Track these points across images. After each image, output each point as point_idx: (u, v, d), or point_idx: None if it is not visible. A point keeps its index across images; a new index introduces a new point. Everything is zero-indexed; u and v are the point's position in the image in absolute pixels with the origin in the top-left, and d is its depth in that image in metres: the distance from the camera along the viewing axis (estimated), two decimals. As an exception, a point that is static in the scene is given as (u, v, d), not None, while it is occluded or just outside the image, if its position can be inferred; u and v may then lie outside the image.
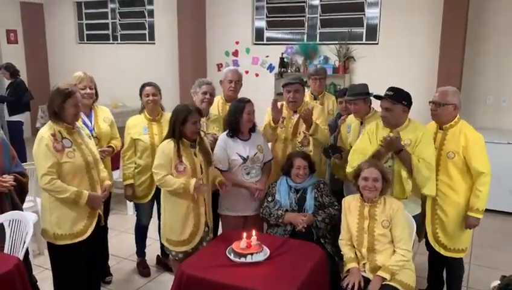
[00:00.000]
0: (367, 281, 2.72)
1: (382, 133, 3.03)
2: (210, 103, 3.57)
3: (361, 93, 3.37)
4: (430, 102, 3.08)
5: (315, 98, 4.33)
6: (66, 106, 2.75)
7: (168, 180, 2.91)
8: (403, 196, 2.97)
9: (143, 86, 3.51)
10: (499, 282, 2.56)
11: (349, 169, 3.07)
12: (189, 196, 2.94)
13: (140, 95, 3.51)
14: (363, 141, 3.12)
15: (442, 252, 3.09)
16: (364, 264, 2.79)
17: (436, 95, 3.07)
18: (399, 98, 2.97)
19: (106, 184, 3.02)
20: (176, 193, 2.96)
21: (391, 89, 3.03)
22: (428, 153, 2.94)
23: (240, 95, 3.68)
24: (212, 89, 3.56)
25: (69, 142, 2.78)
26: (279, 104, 3.47)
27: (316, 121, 3.45)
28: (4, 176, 2.80)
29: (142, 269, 3.83)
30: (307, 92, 4.23)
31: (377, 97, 3.07)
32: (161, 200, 3.13)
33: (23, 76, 8.90)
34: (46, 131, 2.76)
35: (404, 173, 2.95)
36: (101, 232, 3.26)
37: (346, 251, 2.86)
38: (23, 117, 6.77)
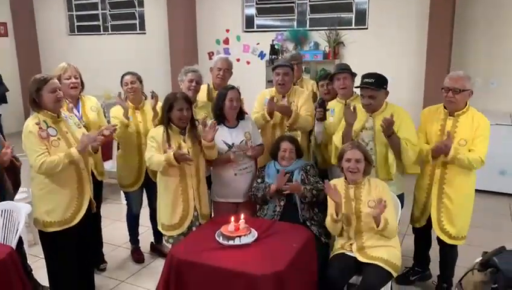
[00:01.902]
0: (354, 262, 2.79)
1: (360, 116, 3.09)
2: (196, 90, 3.60)
3: (349, 68, 3.48)
4: (445, 89, 2.94)
5: (294, 84, 4.37)
6: (43, 93, 2.77)
7: (153, 160, 2.98)
8: (388, 177, 3.03)
9: (122, 76, 3.57)
10: (481, 258, 2.66)
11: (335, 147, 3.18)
12: (177, 178, 3.02)
13: (121, 85, 3.56)
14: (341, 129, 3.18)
15: (447, 240, 3.08)
16: (351, 244, 2.86)
17: (449, 81, 2.93)
18: (381, 83, 3.01)
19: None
20: (166, 176, 3.05)
21: (370, 75, 3.03)
22: (412, 134, 3.00)
23: (232, 83, 3.70)
24: (199, 76, 3.59)
25: (54, 131, 2.81)
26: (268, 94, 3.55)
27: (302, 107, 3.50)
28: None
29: (136, 256, 3.89)
30: None
31: (362, 87, 3.06)
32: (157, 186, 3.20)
33: (15, 69, 8.91)
34: (30, 120, 2.80)
35: (390, 157, 3.00)
36: (93, 220, 3.32)
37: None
38: (1, 109, 6.78)
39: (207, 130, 3.01)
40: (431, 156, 2.99)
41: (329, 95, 3.82)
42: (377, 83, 2.99)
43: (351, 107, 3.05)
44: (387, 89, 3.07)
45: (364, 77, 3.05)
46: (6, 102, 6.96)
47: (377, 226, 2.74)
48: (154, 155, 2.99)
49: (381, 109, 3.08)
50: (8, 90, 6.90)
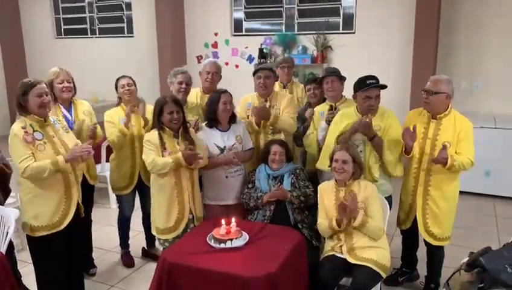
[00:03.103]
0: (344, 263, 2.83)
1: (351, 118, 3.13)
2: (187, 92, 3.62)
3: (338, 72, 3.54)
4: (423, 90, 3.04)
5: (284, 87, 4.41)
6: (29, 97, 2.76)
7: (158, 162, 2.99)
8: (373, 179, 3.08)
9: (118, 79, 3.58)
10: (467, 258, 2.71)
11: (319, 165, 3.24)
12: (172, 180, 3.04)
13: (116, 88, 3.57)
14: (334, 132, 3.21)
15: (433, 242, 3.14)
16: (341, 246, 2.89)
17: (428, 83, 3.02)
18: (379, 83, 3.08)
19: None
20: (161, 179, 3.06)
21: (371, 77, 3.08)
22: (398, 136, 3.06)
23: (220, 87, 3.74)
24: (188, 78, 3.61)
25: (41, 135, 2.80)
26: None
27: (284, 110, 3.55)
28: None
29: (126, 260, 3.88)
30: (277, 82, 4.26)
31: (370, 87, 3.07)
32: (150, 189, 3.21)
33: (1, 72, 8.80)
34: (17, 124, 2.79)
35: (372, 160, 3.06)
36: (83, 224, 3.30)
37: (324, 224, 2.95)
38: None
39: (189, 154, 2.98)
40: (405, 154, 3.07)
41: (315, 98, 3.87)
42: (379, 83, 3.06)
43: (367, 119, 3.01)
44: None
45: (366, 79, 3.07)
46: None
47: (354, 220, 2.80)
48: (158, 158, 3.00)
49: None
50: None
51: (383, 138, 3.05)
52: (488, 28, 5.67)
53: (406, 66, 5.93)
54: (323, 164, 3.20)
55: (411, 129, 2.96)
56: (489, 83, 5.78)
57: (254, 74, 3.64)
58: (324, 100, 3.72)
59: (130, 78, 3.59)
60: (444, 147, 2.91)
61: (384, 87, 3.08)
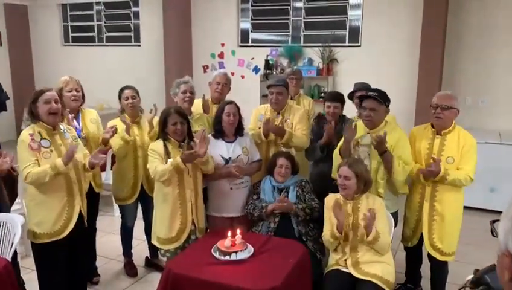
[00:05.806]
0: (349, 278, 2.81)
1: (358, 131, 3.13)
2: (191, 100, 3.63)
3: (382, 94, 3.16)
4: (433, 106, 3.02)
5: (291, 98, 4.42)
6: (39, 104, 2.81)
7: (158, 169, 3.00)
8: (378, 194, 3.07)
9: (122, 90, 3.60)
10: (472, 275, 2.69)
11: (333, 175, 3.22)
12: (175, 190, 3.04)
13: (119, 98, 3.59)
14: (340, 144, 3.23)
15: (439, 257, 3.13)
16: (345, 260, 2.88)
17: (437, 99, 3.03)
18: (384, 98, 3.07)
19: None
20: (164, 188, 3.06)
21: (375, 89, 3.11)
22: (407, 154, 3.05)
23: (227, 97, 3.79)
24: (191, 87, 3.62)
25: (48, 143, 2.83)
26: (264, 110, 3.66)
27: (297, 126, 3.56)
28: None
29: (129, 269, 3.87)
30: None
31: (363, 97, 3.12)
32: (154, 199, 3.22)
33: (8, 78, 8.86)
34: (25, 131, 2.84)
35: (378, 176, 3.06)
36: (88, 233, 3.31)
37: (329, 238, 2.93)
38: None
39: (198, 144, 3.01)
40: (423, 178, 3.06)
41: (334, 118, 3.72)
42: (379, 97, 3.05)
43: (352, 125, 3.11)
44: (389, 107, 3.13)
45: (369, 90, 3.11)
46: (6, 110, 6.91)
47: (367, 236, 2.78)
48: (159, 165, 3.01)
49: (380, 126, 3.11)
50: (8, 98, 6.84)
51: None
52: (493, 44, 5.68)
53: (411, 80, 5.94)
54: (335, 174, 3.21)
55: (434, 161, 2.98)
56: (495, 99, 5.77)
57: (268, 87, 3.66)
58: (340, 119, 3.71)
59: (134, 88, 3.60)
60: (434, 160, 2.95)
61: (380, 101, 3.05)
